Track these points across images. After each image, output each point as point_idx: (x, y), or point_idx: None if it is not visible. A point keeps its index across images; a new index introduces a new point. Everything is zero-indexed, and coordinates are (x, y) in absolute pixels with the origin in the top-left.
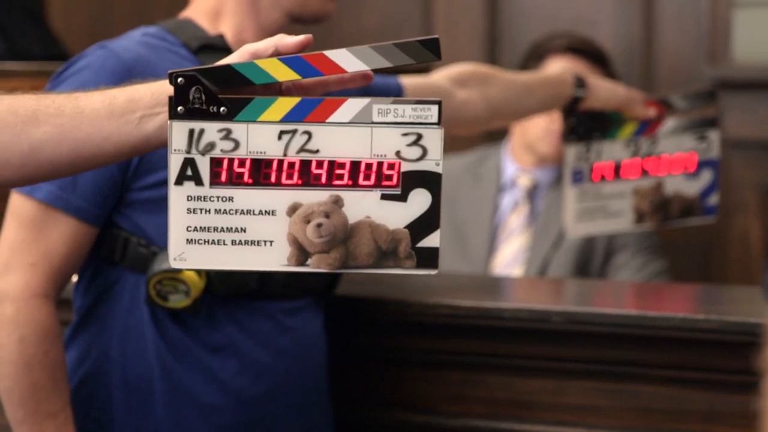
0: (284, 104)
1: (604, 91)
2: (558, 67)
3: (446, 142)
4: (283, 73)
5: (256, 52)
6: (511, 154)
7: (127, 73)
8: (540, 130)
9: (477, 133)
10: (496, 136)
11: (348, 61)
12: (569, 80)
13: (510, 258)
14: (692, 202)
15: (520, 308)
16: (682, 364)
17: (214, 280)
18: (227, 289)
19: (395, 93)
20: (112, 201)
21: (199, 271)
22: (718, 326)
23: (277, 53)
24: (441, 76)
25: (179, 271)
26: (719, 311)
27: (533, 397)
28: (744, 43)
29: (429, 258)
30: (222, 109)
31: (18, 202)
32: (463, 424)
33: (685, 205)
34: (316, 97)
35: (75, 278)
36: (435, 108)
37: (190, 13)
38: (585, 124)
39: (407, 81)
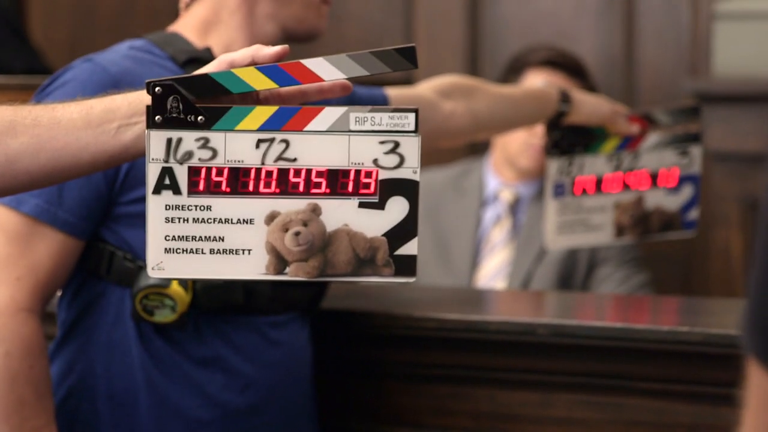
0: (262, 113)
1: (588, 106)
2: (536, 80)
3: (429, 155)
4: (261, 82)
5: (233, 61)
6: (493, 168)
7: (114, 87)
8: (520, 144)
9: (460, 145)
10: (479, 149)
11: (325, 69)
12: (554, 94)
13: (493, 272)
14: (672, 217)
15: (506, 321)
16: (667, 376)
17: (200, 294)
18: (213, 304)
19: (381, 104)
20: (99, 215)
21: (185, 286)
22: (703, 339)
23: (254, 63)
24: (426, 87)
25: (166, 286)
26: (703, 323)
27: (518, 410)
28: (724, 56)
29: (407, 266)
30: (200, 118)
31: (4, 216)
32: None
33: (665, 219)
34: (294, 106)
35: (59, 293)
36: (412, 116)
37: (178, 27)
38: (568, 139)
39: (393, 92)
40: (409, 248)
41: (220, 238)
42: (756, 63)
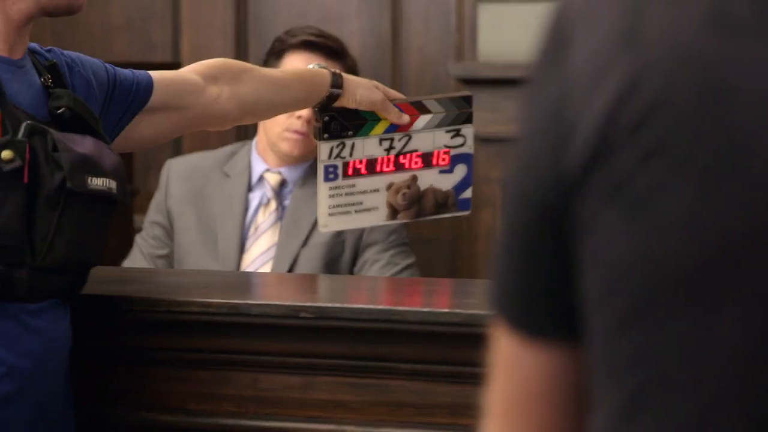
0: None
1: (360, 91)
2: (296, 62)
3: (198, 139)
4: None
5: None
6: (258, 152)
7: None
8: (280, 129)
9: (228, 129)
10: (248, 133)
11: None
12: (326, 77)
13: (259, 256)
14: (446, 197)
15: (269, 304)
16: (428, 357)
17: None
18: None
19: (145, 86)
20: None
21: None
22: (461, 319)
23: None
24: (191, 70)
25: None
26: (465, 305)
27: (282, 393)
28: (488, 40)
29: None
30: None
31: None
32: (212, 422)
33: (439, 200)
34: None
35: None
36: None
37: None
38: (339, 122)
39: (156, 75)
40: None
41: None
42: (518, 47)
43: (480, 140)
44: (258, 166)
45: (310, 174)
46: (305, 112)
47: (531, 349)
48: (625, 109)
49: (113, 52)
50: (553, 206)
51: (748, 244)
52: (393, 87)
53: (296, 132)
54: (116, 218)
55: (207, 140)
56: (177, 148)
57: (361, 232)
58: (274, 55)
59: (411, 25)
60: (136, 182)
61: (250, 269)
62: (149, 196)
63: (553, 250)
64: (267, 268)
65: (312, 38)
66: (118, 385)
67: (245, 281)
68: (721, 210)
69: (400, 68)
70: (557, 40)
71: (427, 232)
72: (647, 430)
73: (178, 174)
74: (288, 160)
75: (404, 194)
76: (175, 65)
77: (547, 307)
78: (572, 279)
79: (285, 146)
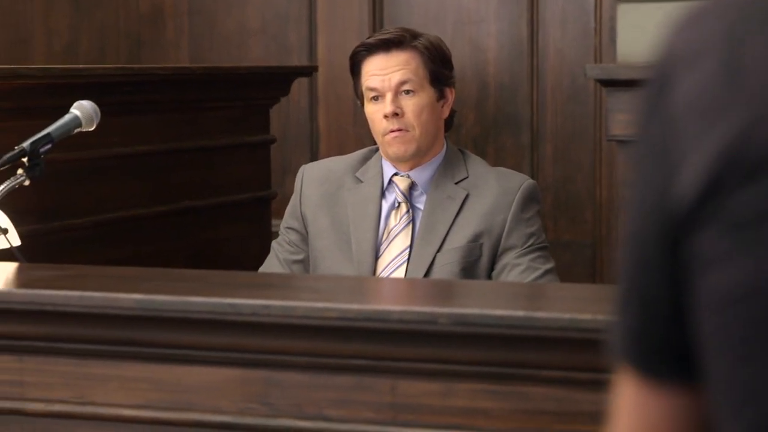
0: None
1: None
2: (371, 68)
3: (334, 143)
4: None
5: None
6: (386, 158)
7: None
8: (380, 138)
9: (364, 133)
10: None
11: None
12: None
13: (393, 259)
14: None
15: (408, 310)
16: (569, 364)
17: None
18: None
19: None
20: None
21: None
22: (605, 326)
23: None
24: None
25: None
26: (606, 311)
27: (420, 400)
28: (628, 41)
29: None
30: None
31: None
32: (349, 428)
33: None
34: None
35: None
36: None
37: None
38: None
39: None
40: None
41: None
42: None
43: (619, 142)
44: (388, 171)
45: (440, 175)
46: (390, 109)
47: (653, 393)
48: (738, 148)
49: (249, 56)
50: (665, 239)
51: None
52: (530, 89)
53: (391, 132)
54: (254, 224)
55: (344, 145)
56: (314, 152)
57: (499, 237)
58: (353, 74)
59: (549, 27)
60: (273, 186)
61: (384, 274)
62: (286, 201)
63: (668, 286)
64: (400, 272)
65: (370, 40)
66: (257, 390)
67: (383, 287)
68: None
69: (538, 70)
70: (660, 82)
71: (567, 235)
72: None
73: (311, 179)
74: (412, 162)
75: None
76: (311, 68)
77: (662, 348)
78: (686, 316)
79: (392, 150)
